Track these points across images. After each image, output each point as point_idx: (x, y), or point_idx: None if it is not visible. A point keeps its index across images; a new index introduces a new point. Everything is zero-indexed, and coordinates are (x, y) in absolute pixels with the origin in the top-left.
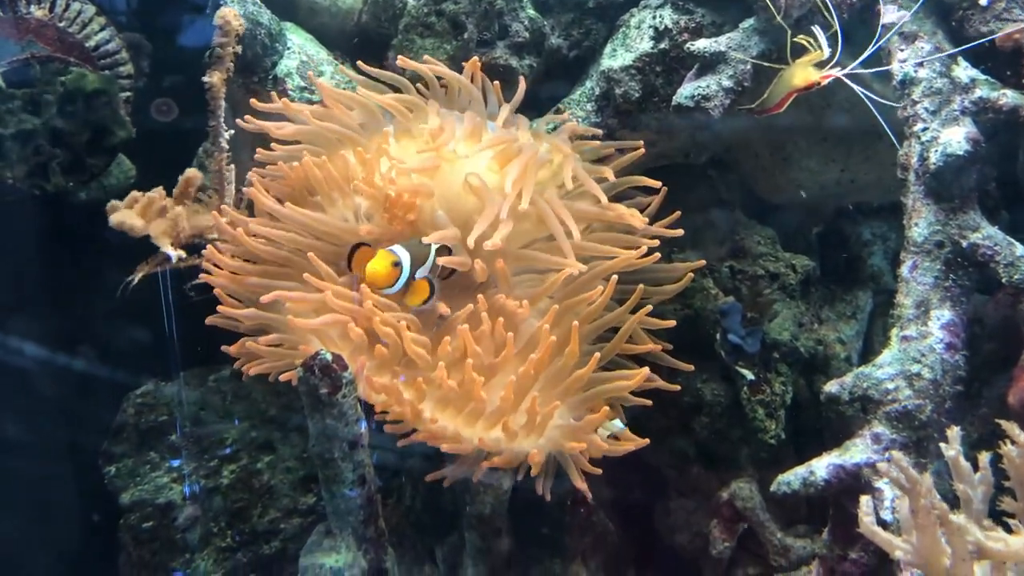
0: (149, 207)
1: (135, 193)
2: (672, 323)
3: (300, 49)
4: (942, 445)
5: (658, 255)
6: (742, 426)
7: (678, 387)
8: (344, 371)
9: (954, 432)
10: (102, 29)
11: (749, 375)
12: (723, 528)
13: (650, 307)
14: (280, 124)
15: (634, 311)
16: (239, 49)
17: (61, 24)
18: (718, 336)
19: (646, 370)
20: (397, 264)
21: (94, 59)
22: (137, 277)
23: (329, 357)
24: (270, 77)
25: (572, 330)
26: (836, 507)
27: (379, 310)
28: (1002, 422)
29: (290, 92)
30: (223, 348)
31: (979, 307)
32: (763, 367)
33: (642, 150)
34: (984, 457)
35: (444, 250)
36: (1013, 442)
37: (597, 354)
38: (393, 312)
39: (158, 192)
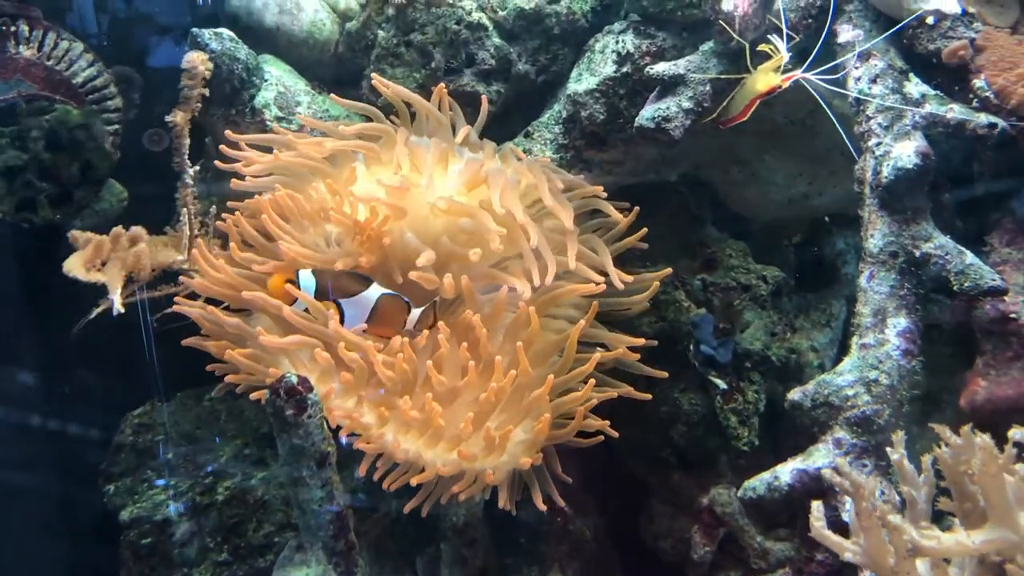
0: (99, 250)
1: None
2: (641, 341)
3: (278, 81)
4: (888, 449)
5: (604, 286)
6: (719, 434)
7: (649, 396)
8: (309, 393)
9: (899, 436)
10: (90, 65)
11: (722, 384)
12: (704, 533)
13: (582, 324)
14: (249, 159)
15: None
16: (205, 91)
17: (49, 62)
18: (691, 347)
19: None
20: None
21: (81, 95)
22: (93, 314)
23: (295, 379)
24: (247, 109)
25: (518, 350)
26: (803, 511)
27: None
28: (934, 425)
29: (267, 122)
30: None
31: (939, 313)
32: (735, 376)
33: (601, 190)
34: (927, 459)
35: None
36: (947, 444)
37: (551, 377)
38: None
39: (112, 234)
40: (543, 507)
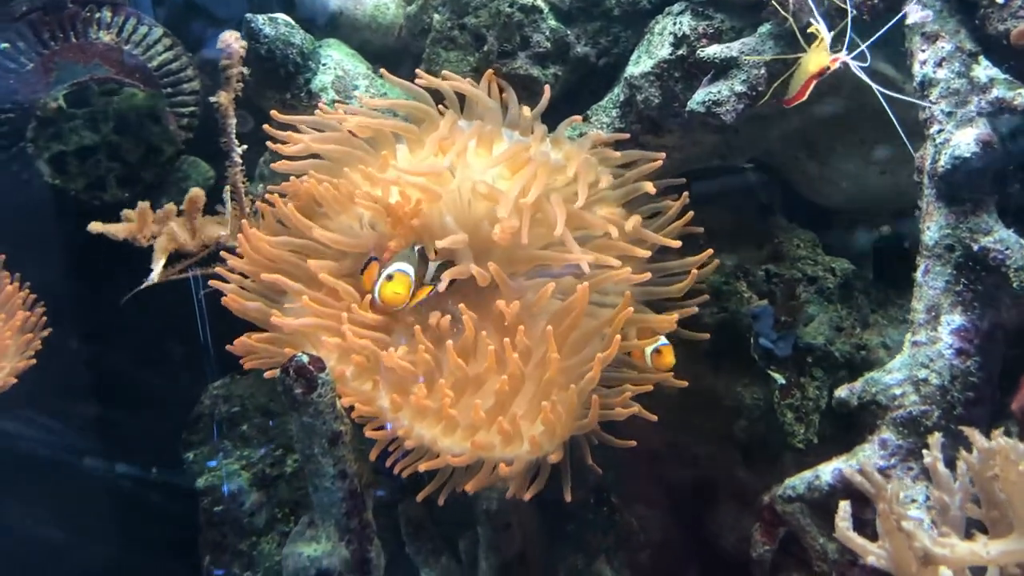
0: (145, 219)
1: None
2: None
3: (337, 65)
4: (924, 452)
5: (648, 275)
6: (781, 430)
7: (685, 383)
8: (321, 372)
9: (935, 438)
10: (167, 50)
11: (780, 379)
12: (764, 531)
13: (630, 309)
14: (289, 138)
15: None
16: (244, 69)
17: (126, 47)
18: (752, 340)
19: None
20: (411, 282)
21: (155, 79)
22: (143, 285)
23: (305, 359)
24: (303, 93)
25: (547, 335)
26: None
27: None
28: (964, 428)
29: (324, 107)
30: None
31: (1005, 312)
32: (796, 371)
33: (660, 162)
34: (963, 464)
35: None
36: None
37: (554, 356)
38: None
39: (165, 210)
40: (569, 498)
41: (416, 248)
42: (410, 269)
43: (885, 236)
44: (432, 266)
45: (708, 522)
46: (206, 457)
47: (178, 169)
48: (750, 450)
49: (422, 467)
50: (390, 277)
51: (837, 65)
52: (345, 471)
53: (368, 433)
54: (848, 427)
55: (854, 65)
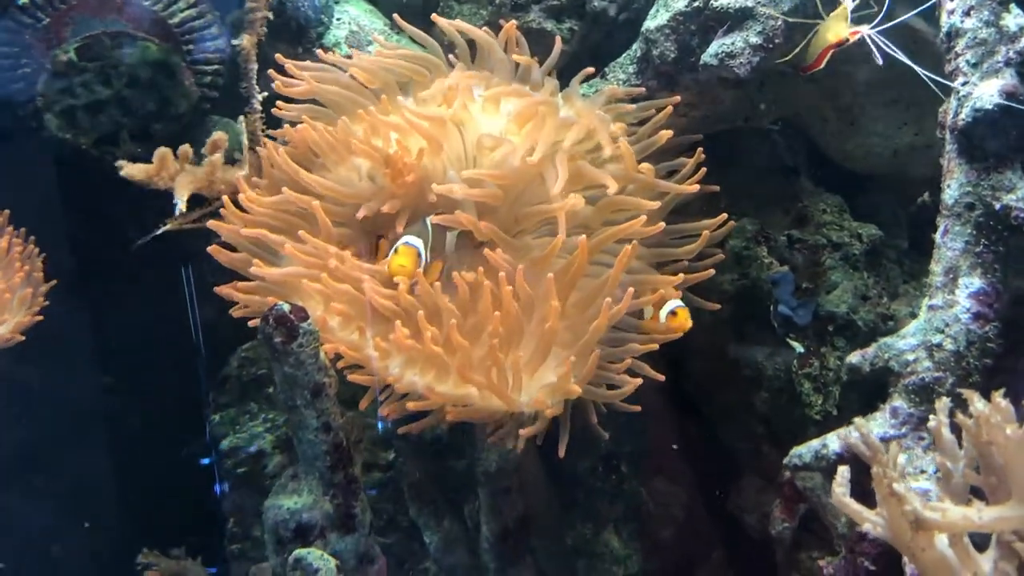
0: (165, 162)
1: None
2: (678, 279)
3: (352, 20)
4: (930, 417)
5: (662, 224)
6: (801, 402)
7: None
8: (303, 322)
9: (942, 403)
10: (189, 7)
11: (799, 348)
12: (784, 508)
13: (628, 249)
14: (290, 82)
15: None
16: (269, 14)
17: (145, 2)
18: (771, 307)
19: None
20: (419, 255)
21: (176, 35)
22: (160, 231)
23: (286, 308)
24: (315, 47)
25: (548, 281)
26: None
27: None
28: (963, 390)
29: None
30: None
31: None
32: (816, 340)
33: (671, 108)
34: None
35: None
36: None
37: (555, 304)
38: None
39: (181, 152)
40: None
41: (428, 219)
42: (418, 242)
43: (923, 203)
44: (451, 236)
45: (733, 498)
46: (231, 420)
47: (208, 130)
48: (772, 423)
49: (410, 406)
50: (396, 251)
51: (856, 38)
52: (329, 424)
53: (353, 378)
54: (875, 398)
55: (877, 39)
